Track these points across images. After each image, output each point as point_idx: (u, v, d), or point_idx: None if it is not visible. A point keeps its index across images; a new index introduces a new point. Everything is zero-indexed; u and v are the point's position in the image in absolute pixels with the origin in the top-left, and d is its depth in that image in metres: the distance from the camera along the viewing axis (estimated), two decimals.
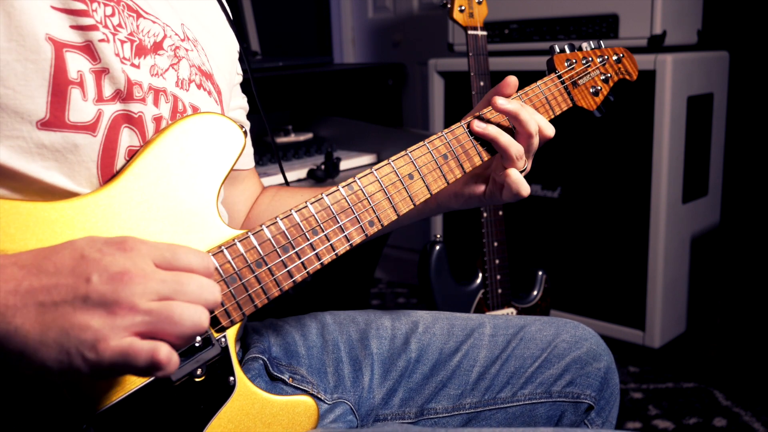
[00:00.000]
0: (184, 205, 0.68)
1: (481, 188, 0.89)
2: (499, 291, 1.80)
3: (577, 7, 2.19)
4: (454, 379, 0.95)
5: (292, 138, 2.01)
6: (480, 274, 1.81)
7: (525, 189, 0.84)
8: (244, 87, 1.01)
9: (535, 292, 1.91)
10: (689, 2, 2.17)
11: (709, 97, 2.25)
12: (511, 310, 1.83)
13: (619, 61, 1.02)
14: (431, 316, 1.01)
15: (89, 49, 0.66)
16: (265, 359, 0.89)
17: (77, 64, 0.65)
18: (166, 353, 0.53)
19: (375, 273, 3.08)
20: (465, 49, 1.69)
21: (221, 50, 0.89)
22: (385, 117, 2.18)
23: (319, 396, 0.90)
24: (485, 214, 1.76)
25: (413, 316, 1.01)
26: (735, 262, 2.37)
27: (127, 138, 0.69)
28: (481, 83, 1.66)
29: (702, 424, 1.91)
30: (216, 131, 0.71)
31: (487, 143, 0.86)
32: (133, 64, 0.70)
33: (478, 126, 0.84)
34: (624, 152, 2.13)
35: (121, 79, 0.68)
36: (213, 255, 0.67)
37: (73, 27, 0.65)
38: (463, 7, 1.63)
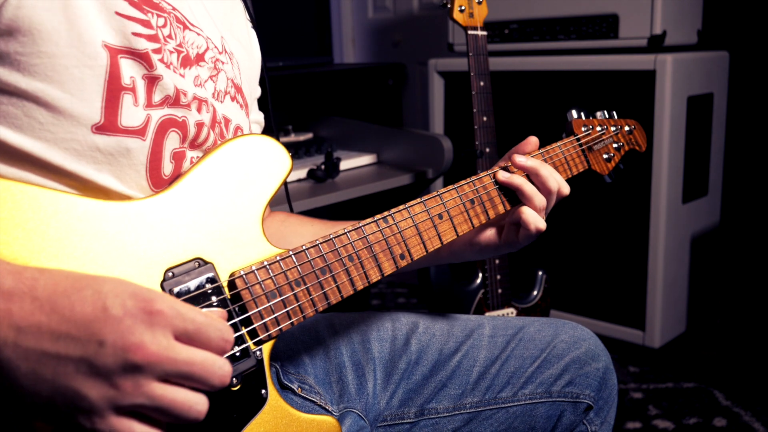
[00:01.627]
0: (232, 220, 0.71)
1: (496, 237, 0.91)
2: (499, 291, 1.80)
3: (577, 7, 2.19)
4: (455, 379, 0.95)
5: (292, 138, 2.01)
6: (480, 274, 1.81)
7: (542, 223, 0.87)
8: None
9: (535, 292, 1.91)
10: (689, 2, 2.17)
11: (709, 97, 2.25)
12: (511, 310, 1.83)
13: (630, 132, 1.09)
14: (431, 316, 1.01)
15: (145, 57, 0.67)
16: (278, 367, 0.90)
17: (130, 70, 0.66)
18: None
19: None
20: (465, 49, 1.69)
21: (251, 65, 0.91)
22: (385, 117, 2.18)
23: (327, 407, 0.90)
24: None
25: (413, 316, 1.01)
26: (735, 262, 2.37)
27: (172, 141, 0.71)
28: (481, 83, 1.66)
29: (702, 424, 1.91)
30: (265, 153, 0.75)
31: (511, 193, 0.90)
32: (180, 74, 0.72)
33: (503, 176, 0.88)
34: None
35: (170, 87, 0.70)
36: (257, 270, 0.70)
37: (135, 34, 0.67)
38: (463, 7, 1.63)
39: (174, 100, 0.71)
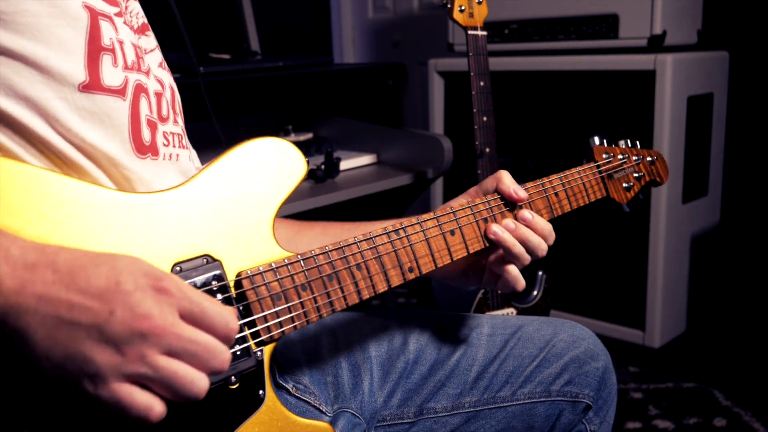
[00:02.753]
0: (243, 220, 0.71)
1: (478, 277, 0.92)
2: (499, 291, 1.80)
3: (577, 7, 2.19)
4: (453, 378, 0.95)
5: (292, 138, 2.01)
6: None
7: (521, 284, 0.87)
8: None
9: (535, 292, 1.91)
10: (689, 2, 2.17)
11: (709, 97, 2.25)
12: (511, 310, 1.83)
13: (652, 163, 1.09)
14: (430, 315, 1.01)
15: (111, 20, 0.70)
16: (274, 366, 0.90)
17: (109, 32, 0.69)
18: (157, 414, 0.54)
19: None
20: (465, 49, 1.69)
21: None
22: (385, 117, 2.18)
23: (321, 408, 0.90)
24: None
25: (412, 316, 1.01)
26: (735, 262, 2.37)
27: (144, 107, 0.73)
28: (481, 83, 1.66)
29: (702, 424, 1.91)
30: (281, 155, 0.75)
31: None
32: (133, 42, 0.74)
33: (494, 234, 0.86)
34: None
35: (131, 54, 0.72)
36: (264, 272, 0.70)
37: None
38: (463, 7, 1.63)
39: (137, 66, 0.73)
